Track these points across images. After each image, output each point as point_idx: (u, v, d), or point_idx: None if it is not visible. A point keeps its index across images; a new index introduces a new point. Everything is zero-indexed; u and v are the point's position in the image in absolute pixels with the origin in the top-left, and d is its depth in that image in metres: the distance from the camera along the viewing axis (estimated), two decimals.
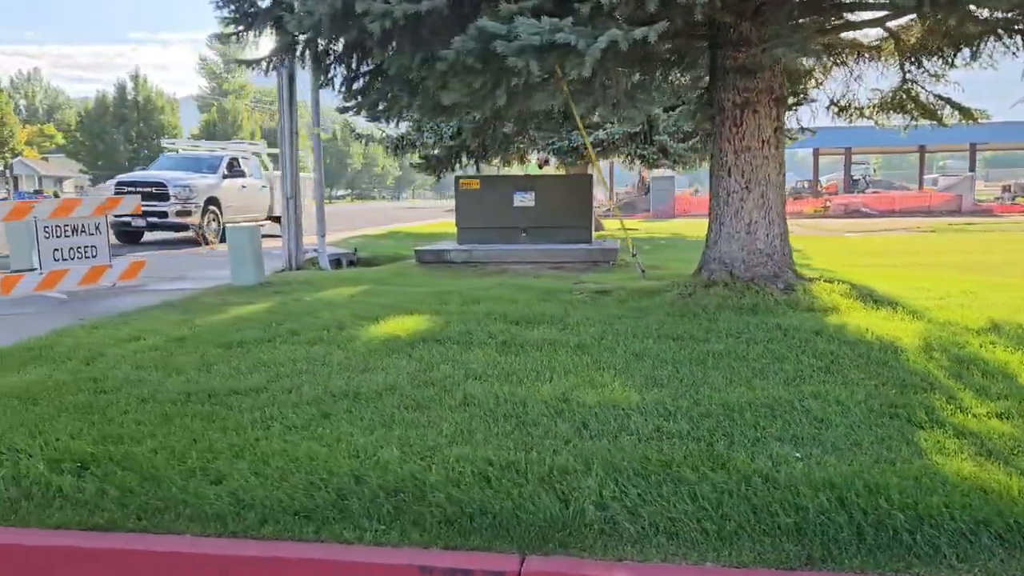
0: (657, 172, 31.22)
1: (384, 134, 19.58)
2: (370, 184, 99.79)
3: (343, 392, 3.89)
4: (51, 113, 79.18)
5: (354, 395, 3.84)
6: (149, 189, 15.33)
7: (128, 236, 16.44)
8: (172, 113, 55.32)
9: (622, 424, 3.38)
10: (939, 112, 8.05)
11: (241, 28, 6.74)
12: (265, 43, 7.19)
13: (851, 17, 7.30)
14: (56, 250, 8.42)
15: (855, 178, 47.03)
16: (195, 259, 12.65)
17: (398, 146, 19.57)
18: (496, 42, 4.11)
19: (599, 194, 22.13)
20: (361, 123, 20.37)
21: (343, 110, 7.49)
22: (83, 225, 8.65)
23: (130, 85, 53.25)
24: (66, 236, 8.51)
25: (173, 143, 20.23)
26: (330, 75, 7.32)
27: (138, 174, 16.46)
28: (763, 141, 6.74)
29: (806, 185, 54.97)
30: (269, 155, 19.61)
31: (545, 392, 3.82)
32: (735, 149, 6.77)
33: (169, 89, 55.48)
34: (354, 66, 7.17)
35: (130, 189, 15.36)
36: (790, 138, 20.14)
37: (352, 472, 2.90)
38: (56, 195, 61.74)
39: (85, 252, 8.67)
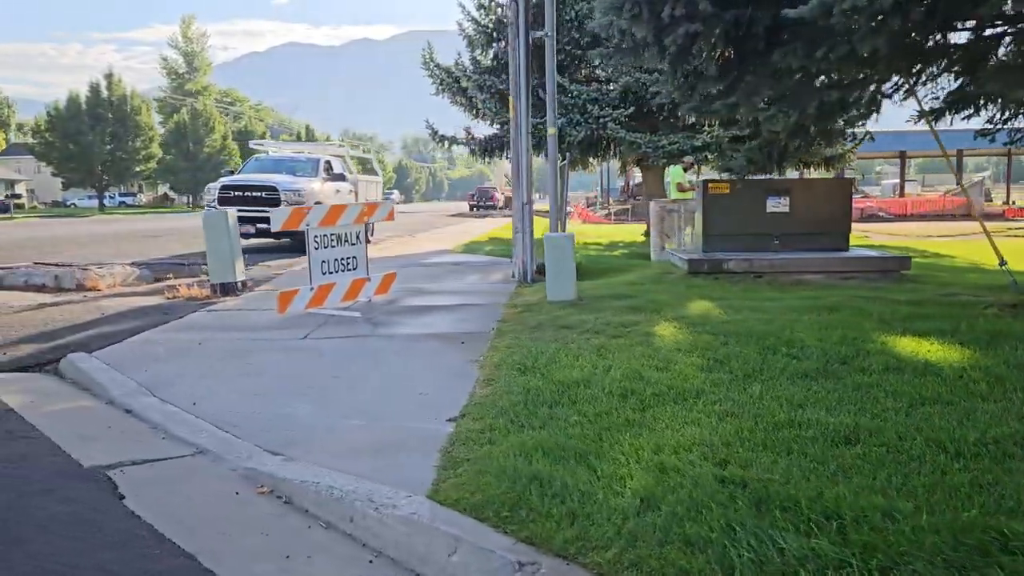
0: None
1: (471, 136, 18.76)
2: None
3: None
4: None
5: None
6: (259, 193, 14.09)
7: None
8: (147, 114, 52.38)
9: None
10: None
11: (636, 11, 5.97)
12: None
13: None
14: (324, 262, 7.41)
15: None
16: None
17: (485, 149, 18.81)
18: None
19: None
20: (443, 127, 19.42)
21: (695, 110, 6.79)
22: (346, 235, 7.64)
23: (103, 84, 50.13)
24: (332, 247, 7.50)
25: (261, 144, 18.80)
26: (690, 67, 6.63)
27: (245, 177, 15.12)
28: None
29: None
30: (352, 157, 18.48)
31: None
32: None
33: None
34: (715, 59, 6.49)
35: (238, 193, 14.12)
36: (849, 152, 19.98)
37: None
38: (8, 198, 57.80)
39: (347, 264, 7.67)
